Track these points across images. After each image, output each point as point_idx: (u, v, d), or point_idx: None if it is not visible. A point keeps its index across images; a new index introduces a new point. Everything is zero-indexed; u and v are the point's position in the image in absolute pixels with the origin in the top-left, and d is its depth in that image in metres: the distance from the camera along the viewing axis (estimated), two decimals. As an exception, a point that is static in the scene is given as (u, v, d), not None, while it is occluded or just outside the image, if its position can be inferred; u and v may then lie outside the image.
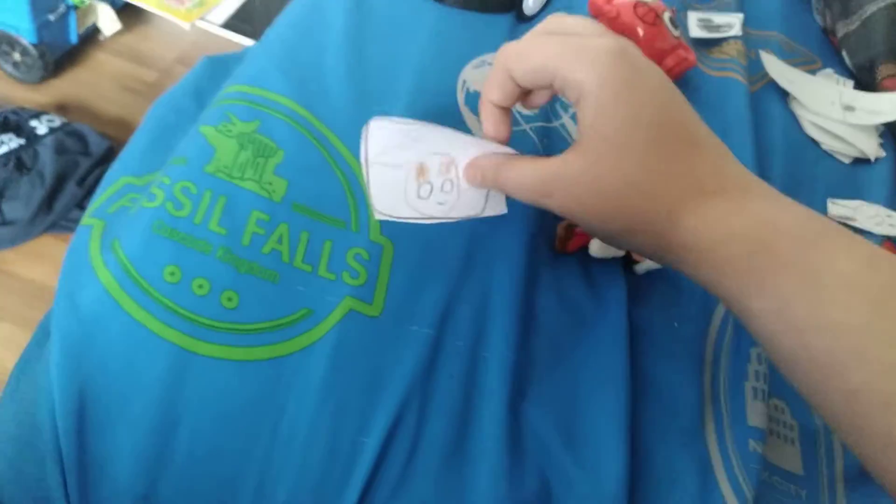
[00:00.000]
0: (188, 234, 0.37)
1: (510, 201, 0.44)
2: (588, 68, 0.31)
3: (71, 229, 1.24)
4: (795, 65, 0.66)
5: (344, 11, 0.50)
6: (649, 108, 0.31)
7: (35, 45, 1.38)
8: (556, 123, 0.50)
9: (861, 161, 0.62)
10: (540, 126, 0.49)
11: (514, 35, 0.55)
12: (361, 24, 0.50)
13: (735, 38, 0.64)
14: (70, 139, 1.28)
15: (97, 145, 1.29)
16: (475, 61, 0.51)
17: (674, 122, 0.32)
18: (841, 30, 0.71)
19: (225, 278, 0.36)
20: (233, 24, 1.42)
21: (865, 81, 0.68)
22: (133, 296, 0.34)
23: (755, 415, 0.40)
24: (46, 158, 1.22)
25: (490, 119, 0.36)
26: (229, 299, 0.36)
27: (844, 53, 0.70)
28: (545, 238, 0.45)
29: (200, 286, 0.35)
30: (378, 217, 0.35)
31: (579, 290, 0.43)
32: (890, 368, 0.26)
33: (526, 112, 0.49)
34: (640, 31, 0.53)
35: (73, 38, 1.48)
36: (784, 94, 0.64)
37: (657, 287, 0.45)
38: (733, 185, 0.32)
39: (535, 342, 0.40)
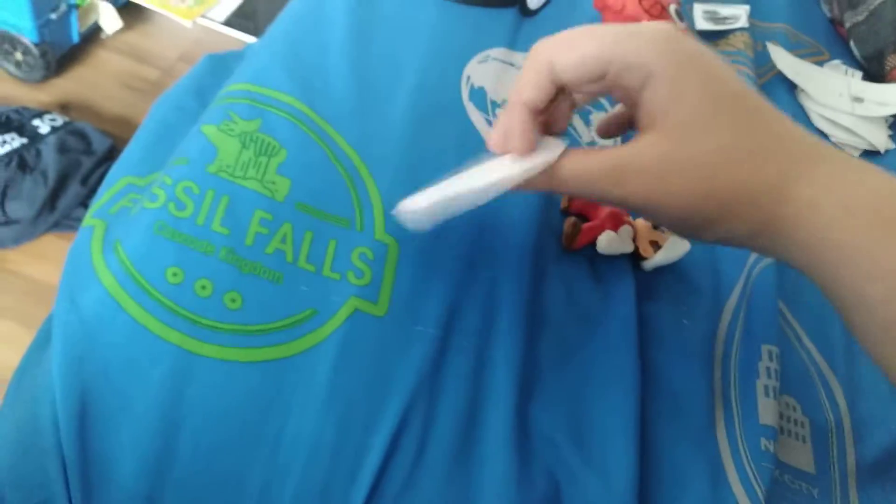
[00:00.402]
0: (190, 234, 0.36)
1: (512, 197, 0.43)
2: (650, 49, 0.29)
3: (74, 228, 1.24)
4: (803, 56, 0.66)
5: (346, 8, 0.49)
6: (720, 80, 0.30)
7: (37, 45, 1.37)
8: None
9: (870, 153, 0.62)
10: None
11: (518, 30, 0.54)
12: (364, 21, 0.49)
13: (741, 29, 0.63)
14: (72, 138, 1.28)
15: (100, 144, 1.29)
16: (479, 56, 0.51)
17: (748, 94, 0.30)
18: (848, 20, 0.70)
19: (228, 279, 0.36)
20: (234, 21, 1.42)
21: (874, 72, 0.67)
22: (135, 297, 0.34)
23: (767, 413, 0.40)
24: (49, 158, 1.22)
25: (519, 124, 0.32)
26: (233, 300, 0.35)
27: (852, 44, 0.70)
28: (552, 235, 0.44)
29: (203, 287, 0.35)
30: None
31: (587, 288, 0.43)
32: None
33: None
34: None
35: (75, 37, 1.48)
36: (792, 87, 0.63)
37: (666, 283, 0.45)
38: (827, 152, 0.30)
39: (543, 341, 0.40)
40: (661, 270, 0.45)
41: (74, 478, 0.31)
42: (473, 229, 0.41)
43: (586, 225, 0.44)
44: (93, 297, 0.34)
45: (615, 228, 0.44)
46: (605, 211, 0.45)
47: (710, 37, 0.62)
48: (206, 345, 0.34)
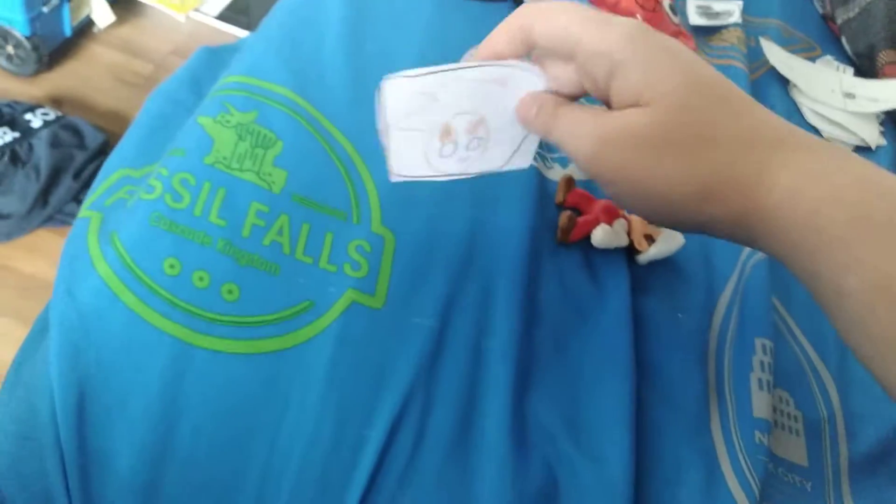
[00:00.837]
0: (187, 226, 0.36)
1: (508, 190, 0.44)
2: (618, 38, 0.29)
3: (67, 223, 1.23)
4: (795, 51, 0.66)
5: (342, 0, 0.49)
6: (695, 71, 0.29)
7: (28, 38, 1.37)
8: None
9: (862, 149, 0.62)
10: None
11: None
12: (360, 14, 0.49)
13: (735, 25, 0.63)
14: (65, 132, 1.27)
15: (92, 138, 1.28)
16: (474, 49, 0.51)
17: (723, 83, 0.30)
18: (840, 16, 0.70)
19: (225, 270, 0.36)
20: (228, 15, 1.41)
21: (865, 68, 0.68)
22: (132, 288, 0.34)
23: (761, 406, 0.40)
24: (41, 152, 1.21)
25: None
26: (230, 292, 0.35)
27: (844, 40, 0.70)
28: (547, 229, 0.44)
29: (201, 279, 0.35)
30: (394, 179, 0.33)
31: (582, 280, 0.43)
32: None
33: None
34: (640, 18, 0.52)
35: (67, 31, 1.47)
36: (784, 82, 0.64)
37: (660, 277, 0.45)
38: (810, 141, 0.29)
39: (539, 332, 0.40)
40: (655, 264, 0.45)
41: (72, 469, 0.31)
42: (470, 222, 0.41)
43: (581, 218, 0.44)
44: (90, 288, 0.34)
45: (610, 222, 0.44)
46: (599, 204, 0.45)
47: (704, 32, 0.62)
48: (204, 336, 0.34)
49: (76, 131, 1.29)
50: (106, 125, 1.35)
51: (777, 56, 0.64)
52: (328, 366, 0.35)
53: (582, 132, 0.30)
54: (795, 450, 0.41)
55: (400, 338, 0.37)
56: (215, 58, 0.51)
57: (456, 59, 0.49)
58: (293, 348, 0.35)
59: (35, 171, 1.20)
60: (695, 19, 0.63)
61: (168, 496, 0.31)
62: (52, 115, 1.29)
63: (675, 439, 0.39)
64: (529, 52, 0.32)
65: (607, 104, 0.30)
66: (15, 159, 1.20)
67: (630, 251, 0.45)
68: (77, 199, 1.23)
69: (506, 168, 0.35)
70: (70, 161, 1.24)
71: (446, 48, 0.49)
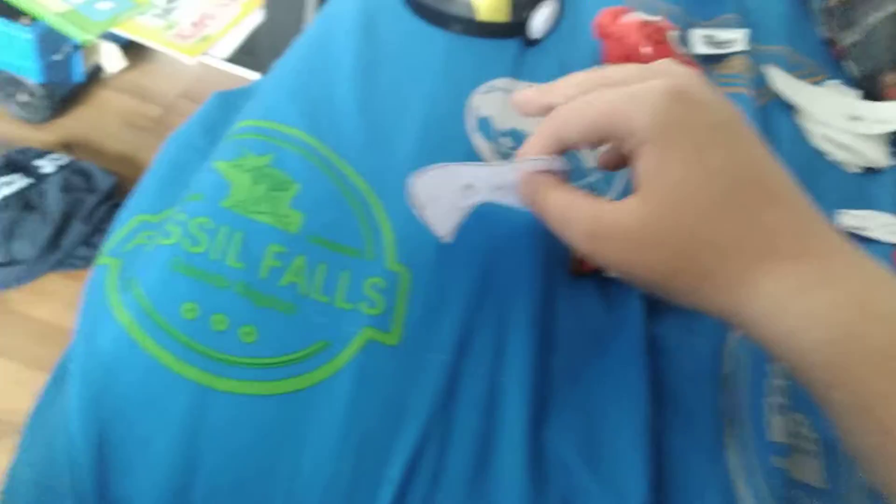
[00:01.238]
0: (205, 270, 0.36)
1: (521, 222, 0.44)
2: (641, 115, 0.29)
3: (77, 267, 1.24)
4: (801, 77, 0.66)
5: (353, 42, 0.50)
6: (716, 151, 0.29)
7: (41, 85, 1.39)
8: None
9: (870, 171, 0.62)
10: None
11: (521, 59, 0.55)
12: (370, 55, 0.50)
13: (740, 53, 0.64)
14: (76, 177, 1.29)
15: (103, 182, 1.30)
16: (483, 87, 0.51)
17: (746, 169, 0.29)
18: (844, 40, 0.71)
19: (243, 313, 0.36)
20: (237, 57, 1.43)
21: (871, 91, 0.68)
22: (152, 335, 0.34)
23: (776, 430, 0.40)
24: (52, 197, 1.23)
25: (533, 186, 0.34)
26: (248, 334, 0.35)
27: (849, 64, 0.71)
28: (560, 260, 0.44)
29: (219, 322, 0.35)
30: (447, 240, 0.40)
31: (597, 310, 0.43)
32: None
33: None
34: (647, 51, 0.53)
35: (79, 77, 1.50)
36: (791, 107, 0.64)
37: (673, 304, 0.45)
38: (817, 249, 0.28)
39: (554, 364, 0.40)
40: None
41: (94, 518, 0.31)
42: (484, 256, 0.41)
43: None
44: (110, 336, 0.34)
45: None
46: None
47: (711, 61, 0.63)
48: (223, 379, 0.34)
49: (86, 175, 1.31)
50: (116, 169, 1.37)
51: (782, 82, 0.64)
52: (346, 405, 0.35)
53: (573, 224, 0.31)
54: (813, 472, 0.41)
55: (416, 374, 0.37)
56: (228, 103, 0.51)
57: (464, 96, 0.50)
58: (311, 388, 0.35)
59: (46, 216, 1.21)
60: (700, 48, 0.63)
61: (190, 542, 0.31)
62: (63, 161, 1.30)
63: (693, 466, 0.38)
64: (565, 150, 0.34)
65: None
66: (26, 205, 1.22)
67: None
68: (88, 242, 1.24)
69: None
70: (80, 205, 1.25)
71: (456, 88, 0.50)
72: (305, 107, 0.45)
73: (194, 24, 1.44)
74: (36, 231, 1.19)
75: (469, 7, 0.53)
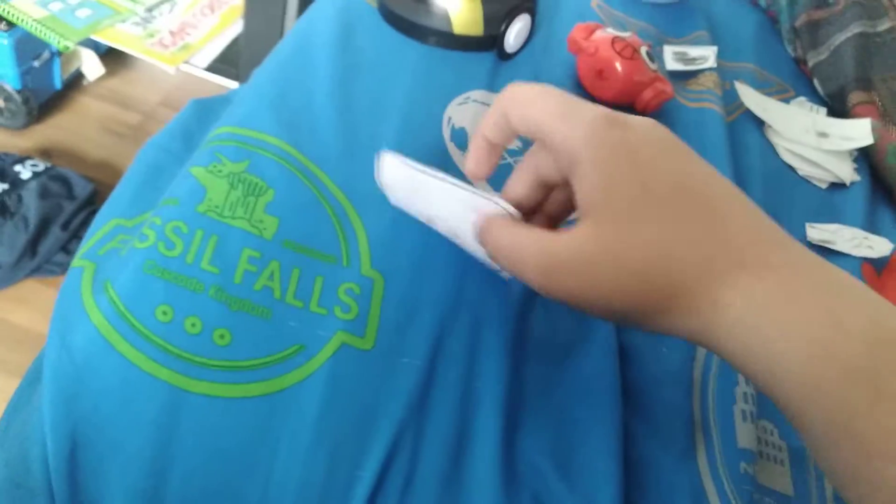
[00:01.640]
0: (180, 273, 0.37)
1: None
2: (579, 134, 0.29)
3: (55, 273, 1.23)
4: (769, 94, 0.68)
5: (331, 52, 0.51)
6: (660, 168, 0.29)
7: (19, 91, 1.38)
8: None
9: (837, 186, 0.64)
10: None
11: (496, 72, 0.56)
12: (348, 65, 0.51)
13: (710, 69, 0.65)
14: (54, 183, 1.28)
15: (81, 188, 1.30)
16: (459, 98, 0.52)
17: (692, 183, 0.29)
18: (812, 59, 0.73)
19: (217, 316, 0.36)
20: (217, 67, 1.44)
21: (838, 109, 0.70)
22: (126, 336, 0.35)
23: (745, 437, 0.41)
24: (30, 203, 1.22)
25: (477, 153, 0.36)
26: (221, 336, 0.36)
27: (816, 82, 0.73)
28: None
29: (193, 325, 0.36)
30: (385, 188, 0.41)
31: (569, 319, 0.44)
32: None
33: (510, 146, 0.50)
34: (619, 66, 0.54)
35: (58, 84, 1.49)
36: (760, 123, 0.66)
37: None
38: (780, 260, 0.28)
39: (527, 371, 0.40)
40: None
41: (65, 517, 0.31)
42: (457, 264, 0.42)
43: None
44: (83, 338, 0.35)
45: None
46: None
47: (681, 77, 0.65)
48: (197, 381, 0.34)
49: (65, 182, 1.30)
50: (95, 175, 1.36)
51: (751, 98, 0.66)
52: (319, 407, 0.35)
53: (526, 262, 0.31)
54: (780, 479, 0.42)
55: (389, 378, 0.37)
56: (205, 110, 0.52)
57: (440, 107, 0.51)
58: (285, 390, 0.35)
59: (24, 221, 1.20)
60: (671, 65, 0.65)
61: (161, 542, 0.32)
62: (41, 167, 1.30)
63: (663, 471, 0.39)
64: (514, 137, 0.35)
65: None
66: (4, 210, 1.21)
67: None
68: (65, 248, 1.23)
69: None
70: (59, 211, 1.24)
71: (432, 99, 0.51)
72: (283, 115, 0.46)
73: (174, 33, 1.44)
74: (13, 237, 1.18)
75: (445, 20, 0.54)
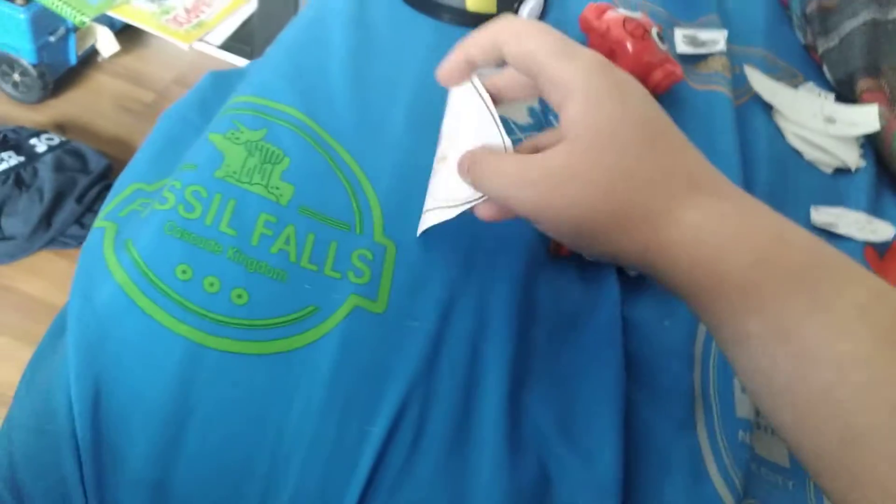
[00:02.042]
0: (199, 234, 0.38)
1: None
2: (577, 71, 0.31)
3: (69, 245, 1.25)
4: (778, 79, 0.69)
5: (345, 28, 0.52)
6: (637, 109, 0.31)
7: (35, 66, 1.40)
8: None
9: (842, 171, 0.65)
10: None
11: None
12: (362, 40, 0.52)
13: (720, 53, 0.66)
14: (69, 157, 1.30)
15: (96, 163, 1.31)
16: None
17: (661, 123, 0.32)
18: (821, 46, 0.73)
19: (235, 276, 0.38)
20: (231, 45, 1.45)
21: (846, 95, 0.71)
22: (147, 293, 0.36)
23: (743, 408, 0.42)
24: (45, 175, 1.24)
25: (452, 65, 0.37)
26: (239, 296, 0.37)
27: (825, 69, 0.73)
28: (541, 241, 0.46)
29: (212, 284, 0.37)
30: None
31: (575, 289, 0.45)
32: None
33: (520, 122, 0.51)
34: (630, 46, 0.55)
35: (73, 60, 1.51)
36: (768, 107, 0.66)
37: (648, 288, 0.47)
38: (730, 190, 0.31)
39: (534, 337, 0.42)
40: (644, 276, 0.47)
41: (87, 461, 0.32)
42: (467, 233, 0.43)
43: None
44: (106, 293, 0.36)
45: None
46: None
47: (690, 60, 0.65)
48: (215, 338, 0.36)
49: (80, 156, 1.31)
50: (109, 151, 1.38)
51: (761, 83, 0.66)
52: (332, 366, 0.37)
53: (504, 180, 0.33)
54: (777, 450, 0.43)
55: (400, 340, 0.38)
56: (222, 81, 0.53)
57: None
58: (299, 349, 0.37)
59: (39, 194, 1.22)
60: (681, 48, 0.65)
61: (179, 487, 0.33)
62: (56, 140, 1.31)
63: (663, 439, 0.40)
64: (497, 63, 0.35)
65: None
66: (19, 183, 1.22)
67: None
68: (79, 221, 1.25)
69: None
70: (73, 185, 1.26)
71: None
72: (299, 85, 0.47)
73: (189, 10, 1.45)
74: (28, 209, 1.20)
75: (460, -3, 0.55)
